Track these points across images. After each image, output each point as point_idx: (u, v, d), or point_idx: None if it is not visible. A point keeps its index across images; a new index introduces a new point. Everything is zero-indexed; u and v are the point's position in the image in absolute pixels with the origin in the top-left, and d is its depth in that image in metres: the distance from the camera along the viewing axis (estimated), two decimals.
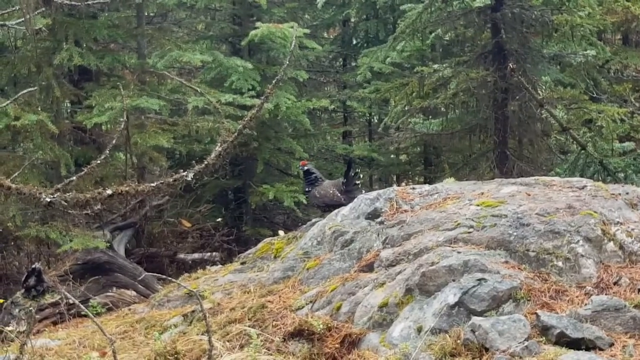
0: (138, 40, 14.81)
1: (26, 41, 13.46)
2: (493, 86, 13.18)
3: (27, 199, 4.24)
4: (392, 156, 17.91)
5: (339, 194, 10.30)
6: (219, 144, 4.34)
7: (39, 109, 12.90)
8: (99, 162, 4.77)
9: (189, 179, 4.34)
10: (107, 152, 4.80)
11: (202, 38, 16.35)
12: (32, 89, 9.47)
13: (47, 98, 13.38)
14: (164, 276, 8.93)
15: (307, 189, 10.68)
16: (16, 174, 5.44)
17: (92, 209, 4.30)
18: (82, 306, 6.16)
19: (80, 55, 13.21)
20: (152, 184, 4.33)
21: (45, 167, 13.50)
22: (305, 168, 10.81)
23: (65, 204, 4.24)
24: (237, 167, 15.57)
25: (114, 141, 5.11)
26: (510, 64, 12.83)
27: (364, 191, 10.27)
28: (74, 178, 4.65)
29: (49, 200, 4.25)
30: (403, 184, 10.86)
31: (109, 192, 4.31)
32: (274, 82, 4.67)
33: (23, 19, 5.12)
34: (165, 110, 13.70)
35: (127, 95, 13.09)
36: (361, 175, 10.77)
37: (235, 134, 4.32)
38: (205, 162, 4.31)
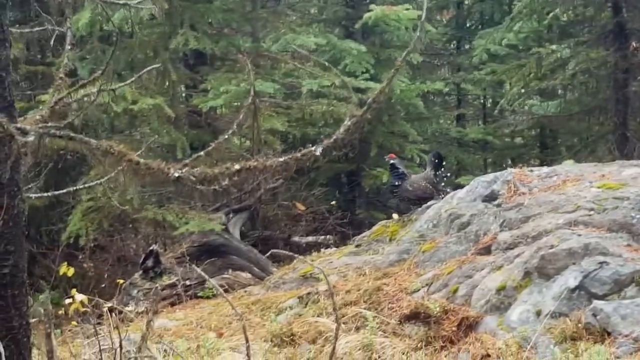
0: (252, 23, 14.86)
1: (143, 26, 13.65)
2: (614, 66, 12.89)
3: (155, 174, 4.25)
4: (507, 139, 17.61)
5: (431, 187, 10.33)
6: (347, 118, 4.26)
7: (156, 93, 13.10)
8: (226, 137, 4.76)
9: (318, 154, 4.28)
10: (235, 127, 4.78)
11: (315, 21, 16.34)
12: (153, 66, 9.53)
13: (163, 82, 13.58)
14: (292, 254, 8.97)
15: (396, 183, 10.63)
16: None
17: (219, 184, 4.29)
18: (214, 283, 6.19)
19: (196, 39, 13.31)
20: (280, 159, 4.29)
21: (162, 150, 13.68)
22: (392, 162, 10.78)
23: (194, 179, 4.24)
24: (350, 150, 15.52)
25: (241, 116, 5.10)
26: (633, 43, 12.50)
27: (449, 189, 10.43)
28: (202, 154, 4.66)
29: (177, 175, 4.26)
30: (518, 167, 10.70)
31: (237, 167, 4.28)
32: (403, 54, 4.57)
33: None
34: (280, 94, 13.76)
35: (242, 79, 13.19)
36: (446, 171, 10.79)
37: (365, 108, 4.24)
38: (334, 137, 4.24)
